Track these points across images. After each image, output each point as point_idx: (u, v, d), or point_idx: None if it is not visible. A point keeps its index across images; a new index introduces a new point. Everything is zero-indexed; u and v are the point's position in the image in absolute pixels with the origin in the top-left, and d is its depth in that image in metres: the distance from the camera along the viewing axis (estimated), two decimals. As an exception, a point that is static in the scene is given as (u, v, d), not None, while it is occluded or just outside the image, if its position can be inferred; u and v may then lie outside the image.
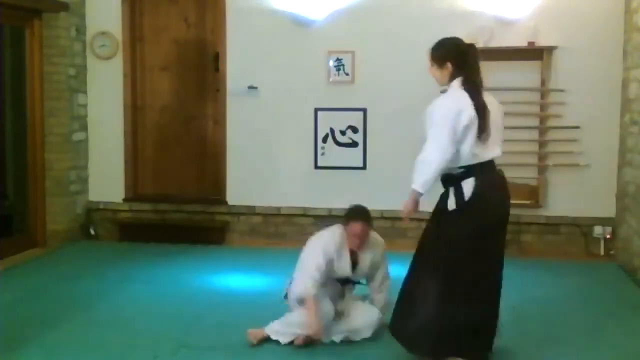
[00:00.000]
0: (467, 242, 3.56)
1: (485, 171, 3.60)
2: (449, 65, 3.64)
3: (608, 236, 6.20)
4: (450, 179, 3.61)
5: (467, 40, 3.78)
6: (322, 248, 4.02)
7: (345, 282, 4.20)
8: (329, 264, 4.01)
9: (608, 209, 6.21)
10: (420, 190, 3.59)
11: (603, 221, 6.22)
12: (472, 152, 3.54)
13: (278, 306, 4.58)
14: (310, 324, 3.92)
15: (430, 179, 3.55)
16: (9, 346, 3.97)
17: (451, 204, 3.59)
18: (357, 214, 4.09)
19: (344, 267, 4.09)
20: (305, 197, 6.55)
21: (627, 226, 5.78)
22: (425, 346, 3.66)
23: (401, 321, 3.75)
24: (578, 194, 6.24)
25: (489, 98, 3.66)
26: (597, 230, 6.22)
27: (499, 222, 3.66)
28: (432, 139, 3.52)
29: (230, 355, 3.96)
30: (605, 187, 6.21)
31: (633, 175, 5.65)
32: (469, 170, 3.56)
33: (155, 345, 4.05)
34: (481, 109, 3.54)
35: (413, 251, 3.80)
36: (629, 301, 5.03)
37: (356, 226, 4.03)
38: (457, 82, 3.62)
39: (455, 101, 3.56)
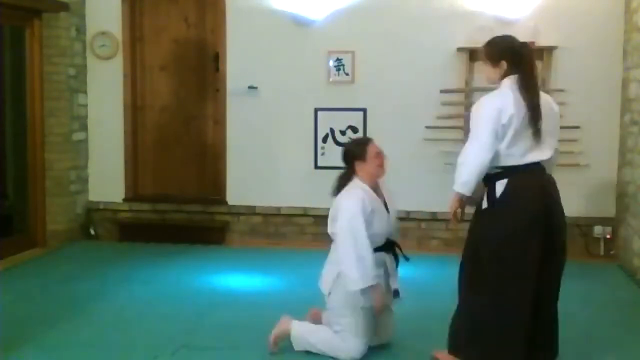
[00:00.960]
0: (495, 244, 3.47)
1: (523, 173, 3.51)
2: (503, 63, 3.57)
3: (608, 236, 6.20)
4: (488, 178, 3.54)
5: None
6: (351, 222, 3.67)
7: (388, 249, 3.89)
8: (369, 225, 3.71)
9: (608, 209, 6.21)
10: (461, 191, 3.53)
11: (603, 221, 6.22)
12: (508, 153, 3.47)
13: (278, 306, 4.58)
14: (378, 302, 3.74)
15: (471, 179, 3.48)
16: (8, 346, 3.97)
17: (484, 203, 3.55)
18: (364, 139, 3.94)
19: (381, 214, 3.81)
20: (305, 197, 6.54)
21: (627, 226, 5.78)
22: (449, 340, 3.70)
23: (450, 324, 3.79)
24: (578, 194, 6.23)
25: (544, 99, 3.60)
26: (597, 230, 6.22)
27: (534, 229, 3.46)
28: (473, 139, 3.48)
29: (230, 355, 3.95)
30: (605, 187, 6.21)
31: (633, 175, 5.65)
32: (505, 171, 3.50)
33: (155, 345, 4.05)
34: (534, 110, 3.47)
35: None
36: (629, 301, 5.03)
37: (373, 147, 3.82)
38: (507, 81, 3.54)
39: (497, 100, 3.49)
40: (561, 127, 6.16)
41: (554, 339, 3.73)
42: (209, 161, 6.85)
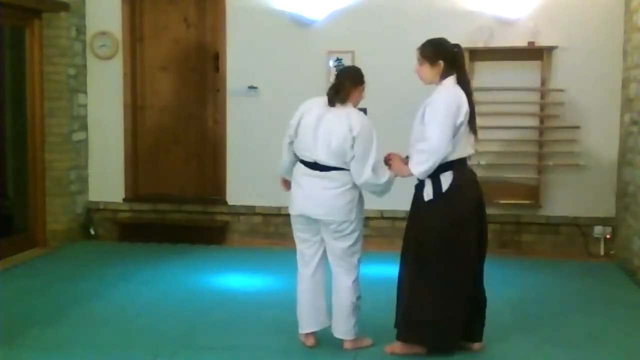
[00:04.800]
0: (439, 233, 3.68)
1: (462, 166, 3.76)
2: (440, 63, 3.75)
3: (608, 236, 6.20)
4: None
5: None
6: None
7: None
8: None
9: (608, 209, 6.21)
10: (420, 177, 3.72)
11: (603, 221, 6.22)
12: (458, 148, 3.67)
13: (278, 306, 4.58)
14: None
15: (431, 169, 3.64)
16: (8, 346, 3.97)
17: (427, 195, 3.72)
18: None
19: None
20: (305, 197, 6.54)
21: (627, 226, 5.78)
22: (400, 330, 3.86)
23: (395, 311, 3.94)
24: (578, 194, 6.24)
25: None
26: (597, 230, 6.22)
27: (474, 217, 3.74)
28: (438, 130, 3.61)
29: (231, 355, 3.95)
30: (605, 187, 6.21)
31: (633, 175, 5.65)
32: (448, 164, 3.68)
33: (155, 345, 4.05)
34: (473, 107, 3.74)
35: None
36: (629, 301, 5.03)
37: (362, 89, 4.14)
38: (451, 80, 3.74)
39: (456, 96, 3.68)
40: (561, 127, 6.25)
41: (480, 323, 3.95)
42: (209, 161, 6.85)
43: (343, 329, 3.95)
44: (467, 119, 3.68)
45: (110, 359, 3.91)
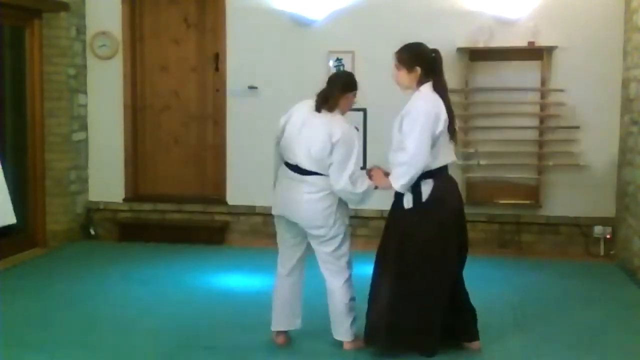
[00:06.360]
0: (421, 244, 3.66)
1: (443, 175, 3.74)
2: (418, 69, 3.71)
3: (608, 236, 6.20)
4: None
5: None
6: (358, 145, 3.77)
7: None
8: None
9: (608, 209, 6.21)
10: (400, 191, 3.68)
11: (603, 221, 6.22)
12: (436, 156, 3.64)
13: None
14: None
15: (411, 181, 3.62)
16: (8, 346, 3.97)
17: (407, 203, 3.68)
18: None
19: None
20: (305, 197, 6.53)
21: (627, 226, 5.78)
22: (378, 341, 3.82)
23: (366, 315, 3.89)
24: (578, 194, 6.24)
25: None
26: (597, 230, 6.22)
27: (454, 224, 3.73)
28: (416, 142, 3.58)
29: (230, 355, 3.95)
30: (605, 187, 6.21)
31: (633, 175, 5.65)
32: (429, 172, 3.65)
33: (155, 345, 4.06)
34: (452, 113, 3.71)
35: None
36: (629, 301, 5.03)
37: (353, 96, 3.91)
38: (428, 87, 3.70)
39: (434, 105, 3.65)
40: (561, 127, 6.25)
41: (473, 324, 3.94)
42: (209, 161, 6.86)
43: (340, 330, 3.96)
44: (447, 126, 3.65)
45: (110, 359, 3.90)
